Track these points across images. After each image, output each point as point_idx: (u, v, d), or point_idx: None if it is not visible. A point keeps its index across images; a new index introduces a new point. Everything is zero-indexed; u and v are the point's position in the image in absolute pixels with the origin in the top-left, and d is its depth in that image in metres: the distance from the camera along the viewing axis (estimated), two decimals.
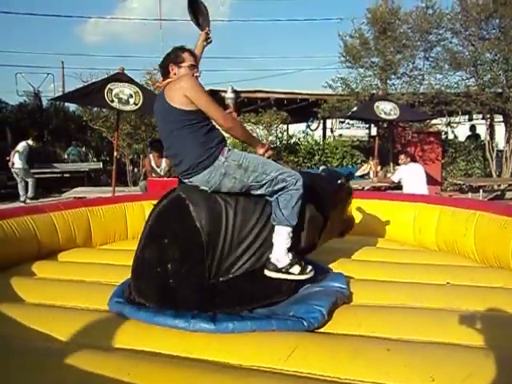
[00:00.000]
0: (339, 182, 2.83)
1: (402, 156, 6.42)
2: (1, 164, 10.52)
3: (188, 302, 2.11)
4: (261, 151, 2.46)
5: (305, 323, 2.00)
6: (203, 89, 2.26)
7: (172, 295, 2.14)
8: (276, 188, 2.26)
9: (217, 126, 2.33)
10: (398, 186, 6.43)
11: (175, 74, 2.35)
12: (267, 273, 2.23)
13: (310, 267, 2.35)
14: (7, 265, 3.06)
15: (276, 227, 2.26)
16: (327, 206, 2.66)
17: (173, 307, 2.09)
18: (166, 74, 2.39)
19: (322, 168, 3.13)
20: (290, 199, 2.25)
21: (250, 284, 2.24)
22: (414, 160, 6.39)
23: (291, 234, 2.26)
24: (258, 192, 2.28)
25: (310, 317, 2.04)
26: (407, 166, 6.11)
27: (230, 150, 2.28)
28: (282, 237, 2.24)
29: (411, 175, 5.95)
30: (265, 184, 2.25)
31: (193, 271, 2.14)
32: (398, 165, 6.88)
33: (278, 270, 2.22)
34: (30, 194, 9.41)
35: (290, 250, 2.27)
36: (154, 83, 10.49)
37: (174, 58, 2.38)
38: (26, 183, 9.55)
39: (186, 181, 2.33)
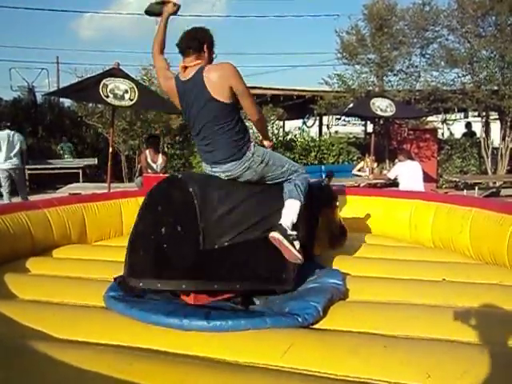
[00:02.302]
0: (322, 184, 2.89)
1: (398, 154, 6.43)
2: None
3: (182, 267, 2.07)
4: (267, 144, 2.75)
5: (299, 319, 2.00)
6: (243, 80, 2.25)
7: (166, 261, 2.09)
8: (286, 177, 2.44)
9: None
10: (395, 183, 6.43)
11: (203, 58, 2.27)
12: (274, 234, 2.23)
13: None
14: (1, 261, 3.03)
15: (288, 200, 2.37)
16: (314, 209, 2.70)
17: (167, 275, 2.06)
18: (195, 49, 2.25)
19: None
20: (303, 179, 2.46)
21: (248, 255, 2.21)
22: (410, 158, 6.39)
23: (298, 211, 2.36)
24: (272, 182, 2.43)
25: (305, 313, 2.03)
26: (403, 163, 6.11)
27: (255, 145, 2.36)
28: (292, 208, 2.34)
29: (407, 172, 5.95)
30: (279, 174, 2.42)
31: (187, 234, 2.12)
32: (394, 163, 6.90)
33: (286, 236, 2.24)
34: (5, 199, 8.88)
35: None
36: (150, 79, 10.46)
37: (210, 40, 2.31)
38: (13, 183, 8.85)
39: (209, 169, 2.38)
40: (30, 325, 2.06)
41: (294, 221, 2.33)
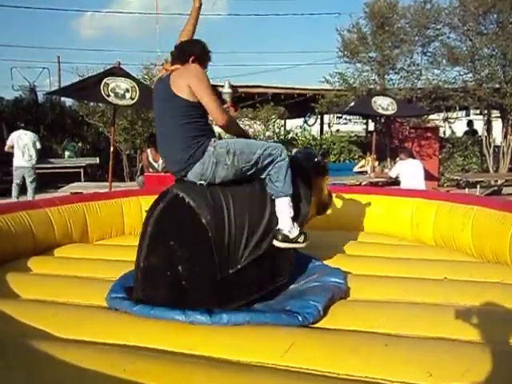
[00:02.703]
0: (316, 160, 2.87)
1: (400, 152, 6.42)
2: None
3: (203, 301, 2.08)
4: None
5: (299, 318, 2.00)
6: (209, 83, 2.26)
7: (186, 297, 2.10)
8: (265, 163, 2.32)
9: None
10: (396, 182, 6.42)
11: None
12: (276, 243, 2.27)
13: (307, 234, 2.45)
14: (3, 260, 3.03)
15: (276, 201, 2.34)
16: (308, 183, 2.69)
17: (187, 306, 2.05)
18: (181, 60, 2.34)
19: (295, 150, 3.14)
20: (280, 171, 2.33)
21: (257, 270, 2.25)
22: (412, 156, 6.38)
23: (291, 203, 2.35)
24: (250, 172, 2.33)
25: (305, 312, 2.04)
26: (405, 161, 6.10)
27: (216, 140, 2.29)
28: (284, 208, 2.33)
29: (409, 171, 5.94)
30: (255, 163, 2.30)
31: (204, 269, 2.12)
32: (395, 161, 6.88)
33: (289, 241, 2.30)
34: (30, 197, 9.06)
35: (294, 219, 2.35)
36: (152, 76, 10.47)
37: (199, 53, 2.38)
38: (21, 184, 8.88)
39: (181, 178, 2.34)
40: (31, 324, 2.06)
41: (291, 215, 2.33)
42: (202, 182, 2.26)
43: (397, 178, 6.15)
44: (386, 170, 9.10)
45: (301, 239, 2.35)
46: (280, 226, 2.30)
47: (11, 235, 3.15)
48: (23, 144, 7.44)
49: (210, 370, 1.65)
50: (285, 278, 2.39)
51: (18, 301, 2.46)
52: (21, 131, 7.64)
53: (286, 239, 2.28)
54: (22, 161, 7.43)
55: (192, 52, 2.36)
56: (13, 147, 7.46)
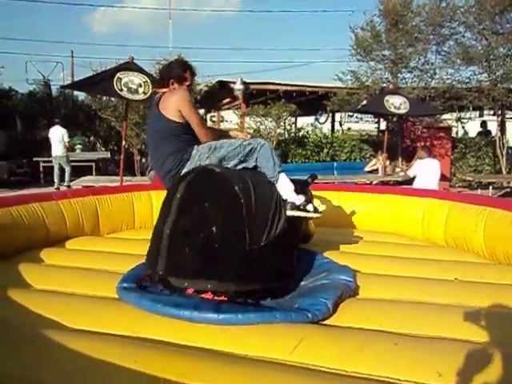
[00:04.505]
0: (307, 180, 2.85)
1: (419, 151, 6.38)
2: (11, 152, 10.60)
3: (229, 270, 2.06)
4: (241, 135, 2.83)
5: (309, 315, 1.99)
6: (192, 104, 2.54)
7: (218, 262, 2.06)
8: (247, 150, 2.50)
9: None
10: (408, 181, 6.39)
11: (174, 88, 2.57)
12: (288, 212, 2.43)
13: (320, 207, 2.69)
14: (16, 251, 3.08)
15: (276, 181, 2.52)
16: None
17: (218, 276, 2.04)
18: (164, 85, 2.61)
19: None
20: (265, 154, 2.52)
21: (271, 254, 2.25)
22: (430, 156, 6.33)
23: (287, 177, 2.53)
24: (237, 161, 2.49)
25: (315, 309, 2.03)
26: (424, 160, 6.05)
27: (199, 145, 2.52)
28: (283, 183, 2.51)
29: (426, 170, 5.90)
30: (236, 152, 2.48)
31: (236, 235, 2.12)
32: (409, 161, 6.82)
33: (297, 208, 2.48)
34: (66, 182, 9.39)
35: (297, 192, 2.52)
36: None
37: (177, 76, 2.60)
38: (62, 171, 9.67)
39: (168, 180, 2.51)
40: (43, 314, 2.09)
41: (292, 187, 2.51)
42: None
43: (414, 177, 6.11)
44: (397, 169, 9.05)
45: (310, 207, 2.52)
46: (286, 198, 2.49)
47: (24, 226, 3.19)
48: (56, 137, 9.37)
49: (219, 364, 1.66)
50: (290, 282, 2.37)
51: (30, 291, 2.49)
52: (56, 126, 9.60)
53: (294, 207, 2.47)
54: (56, 151, 9.40)
55: (170, 76, 2.61)
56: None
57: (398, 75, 10.43)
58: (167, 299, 2.07)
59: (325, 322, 2.05)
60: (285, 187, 2.50)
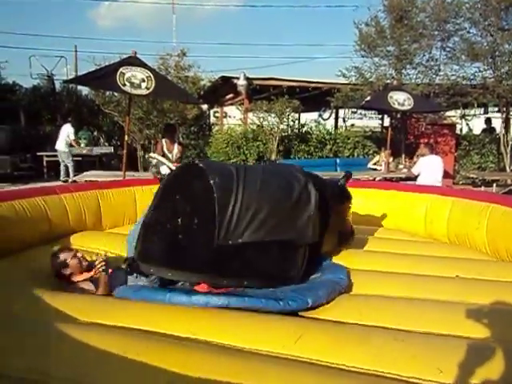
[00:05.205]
0: (339, 183, 2.83)
1: (423, 147, 6.35)
2: (15, 146, 10.63)
3: (196, 260, 2.10)
4: None
5: (280, 303, 2.00)
6: None
7: (180, 252, 2.11)
8: None
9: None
10: (411, 178, 6.37)
11: None
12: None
13: None
14: (20, 245, 3.09)
15: None
16: (327, 206, 2.60)
17: (180, 266, 2.10)
18: None
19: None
20: None
21: (259, 254, 2.22)
22: (433, 152, 6.30)
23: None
24: None
25: (290, 299, 2.04)
26: (427, 157, 6.03)
27: None
28: None
29: (429, 166, 5.88)
30: None
31: (203, 227, 2.12)
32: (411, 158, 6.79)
33: None
34: (71, 176, 9.47)
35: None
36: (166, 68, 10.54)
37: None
38: (66, 166, 9.96)
39: None
40: (51, 308, 2.10)
41: None
42: None
43: (419, 174, 6.09)
44: (401, 166, 9.02)
45: None
46: None
47: (28, 220, 3.19)
48: (63, 134, 9.88)
49: (218, 356, 1.67)
50: (289, 284, 2.29)
51: (42, 285, 2.48)
52: (67, 124, 10.20)
53: None
54: (59, 146, 9.80)
55: None
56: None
57: (402, 71, 10.37)
58: (147, 288, 2.18)
59: (324, 317, 2.06)
60: None
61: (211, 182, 2.15)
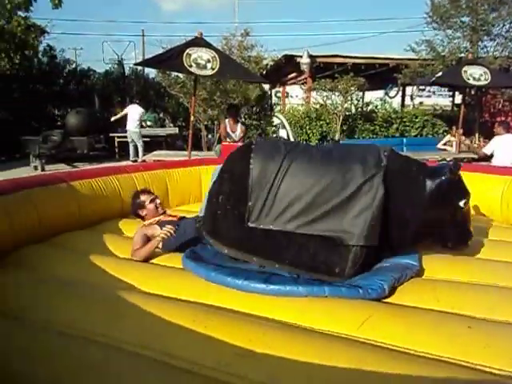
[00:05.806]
0: (443, 177, 2.30)
1: (497, 126, 5.92)
2: (90, 128, 11.30)
3: (226, 236, 2.29)
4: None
5: (360, 291, 1.95)
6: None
7: (218, 225, 2.34)
8: None
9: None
10: (486, 158, 5.97)
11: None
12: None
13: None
14: (96, 220, 3.32)
15: None
16: (417, 201, 2.24)
17: (217, 237, 2.31)
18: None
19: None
20: None
21: (289, 243, 2.21)
22: (509, 131, 5.85)
23: None
24: None
25: (369, 287, 1.98)
26: (501, 136, 5.62)
27: None
28: None
29: (505, 147, 5.48)
30: None
31: (235, 208, 2.30)
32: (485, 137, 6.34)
33: None
34: (140, 156, 9.90)
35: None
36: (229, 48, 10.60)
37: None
38: (136, 146, 10.31)
39: None
40: (120, 278, 2.25)
41: None
42: None
43: (492, 155, 5.71)
44: (475, 146, 8.48)
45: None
46: None
47: (102, 197, 3.41)
48: (133, 114, 10.12)
49: (283, 333, 1.69)
50: (333, 279, 2.10)
51: (109, 258, 2.66)
52: (135, 105, 10.63)
53: None
54: (130, 126, 10.08)
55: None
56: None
57: (479, 44, 9.65)
58: (221, 269, 2.17)
59: (395, 302, 2.01)
60: None
61: (251, 165, 2.29)
